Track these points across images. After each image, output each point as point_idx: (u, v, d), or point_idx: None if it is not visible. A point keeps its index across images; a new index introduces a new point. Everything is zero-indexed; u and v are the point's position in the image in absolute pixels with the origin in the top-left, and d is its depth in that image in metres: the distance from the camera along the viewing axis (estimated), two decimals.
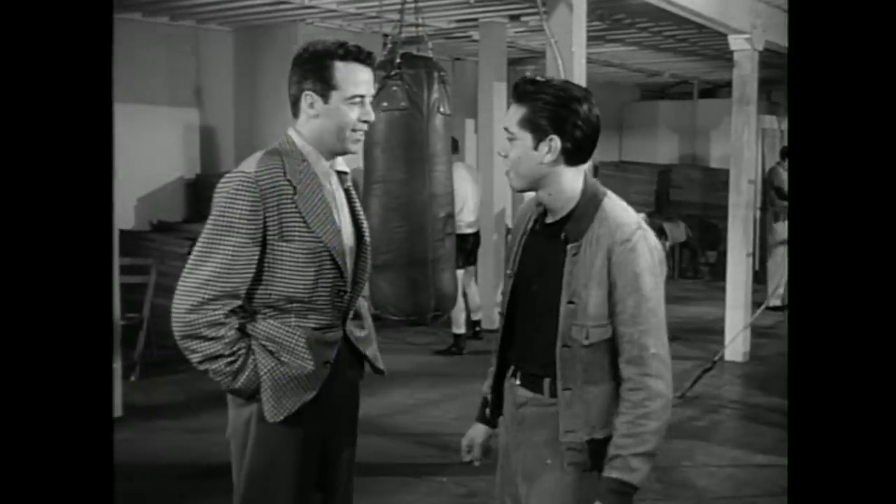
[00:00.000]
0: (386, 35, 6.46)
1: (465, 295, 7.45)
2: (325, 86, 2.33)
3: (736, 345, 7.19)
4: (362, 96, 2.36)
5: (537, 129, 2.10)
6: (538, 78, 2.15)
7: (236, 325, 2.29)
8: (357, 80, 2.35)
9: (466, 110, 9.89)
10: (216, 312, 2.24)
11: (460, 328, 7.44)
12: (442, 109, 4.00)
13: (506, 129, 2.16)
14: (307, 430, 2.35)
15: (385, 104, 3.89)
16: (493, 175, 8.20)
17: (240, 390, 2.31)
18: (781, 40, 7.09)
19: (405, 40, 4.21)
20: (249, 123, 8.49)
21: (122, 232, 6.10)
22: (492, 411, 2.40)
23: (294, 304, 2.32)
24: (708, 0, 6.47)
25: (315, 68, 2.34)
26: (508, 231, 7.83)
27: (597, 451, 2.12)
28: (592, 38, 7.47)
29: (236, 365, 2.27)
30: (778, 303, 8.60)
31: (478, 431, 2.44)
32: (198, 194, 8.23)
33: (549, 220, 2.22)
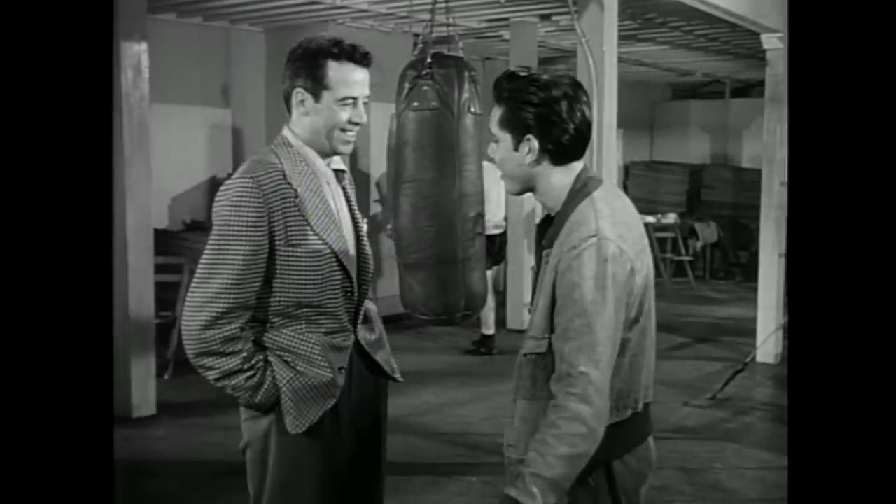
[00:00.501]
0: (417, 35, 6.47)
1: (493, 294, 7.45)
2: (317, 85, 2.28)
3: (768, 346, 7.12)
4: (355, 98, 2.29)
5: (515, 129, 2.00)
6: (520, 73, 2.03)
7: (251, 338, 2.24)
8: (350, 81, 2.28)
9: None
10: (231, 326, 2.17)
11: (490, 328, 7.43)
12: (472, 109, 4.00)
13: (490, 130, 2.09)
14: (327, 439, 2.31)
15: (416, 104, 3.91)
16: None
17: (259, 404, 2.26)
18: None
19: (436, 40, 4.21)
20: (280, 124, 8.38)
21: (156, 231, 6.16)
22: None
23: (304, 310, 2.26)
24: None
25: (308, 66, 2.28)
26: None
27: None
28: (623, 38, 7.43)
29: (255, 379, 2.22)
30: None
31: None
32: None
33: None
